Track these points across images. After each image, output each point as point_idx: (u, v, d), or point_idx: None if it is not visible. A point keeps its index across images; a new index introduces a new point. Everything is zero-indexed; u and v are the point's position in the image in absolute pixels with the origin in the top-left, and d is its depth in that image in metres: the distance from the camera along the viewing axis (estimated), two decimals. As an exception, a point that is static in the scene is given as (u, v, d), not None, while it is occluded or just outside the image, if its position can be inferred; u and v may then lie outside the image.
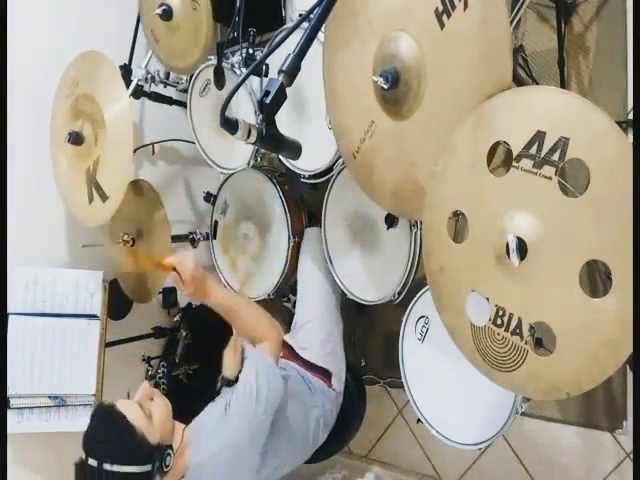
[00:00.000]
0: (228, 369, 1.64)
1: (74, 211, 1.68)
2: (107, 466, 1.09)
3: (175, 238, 1.87)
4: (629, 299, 0.74)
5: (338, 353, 1.65)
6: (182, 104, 1.99)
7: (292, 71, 0.91)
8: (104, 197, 1.51)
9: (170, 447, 1.17)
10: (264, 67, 1.50)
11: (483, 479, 1.90)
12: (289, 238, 1.68)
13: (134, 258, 1.66)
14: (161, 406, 1.22)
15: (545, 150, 0.81)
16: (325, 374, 1.55)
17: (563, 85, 1.54)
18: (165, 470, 1.14)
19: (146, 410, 1.16)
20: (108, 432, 1.14)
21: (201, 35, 1.53)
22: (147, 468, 1.12)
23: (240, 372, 1.52)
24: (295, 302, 1.76)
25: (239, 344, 1.69)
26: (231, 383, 1.50)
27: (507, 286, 0.88)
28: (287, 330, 1.80)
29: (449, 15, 0.90)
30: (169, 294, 2.11)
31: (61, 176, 1.69)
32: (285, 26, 1.53)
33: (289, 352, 1.67)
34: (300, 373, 1.56)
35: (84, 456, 1.12)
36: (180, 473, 1.20)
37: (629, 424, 1.57)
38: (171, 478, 1.17)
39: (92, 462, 1.10)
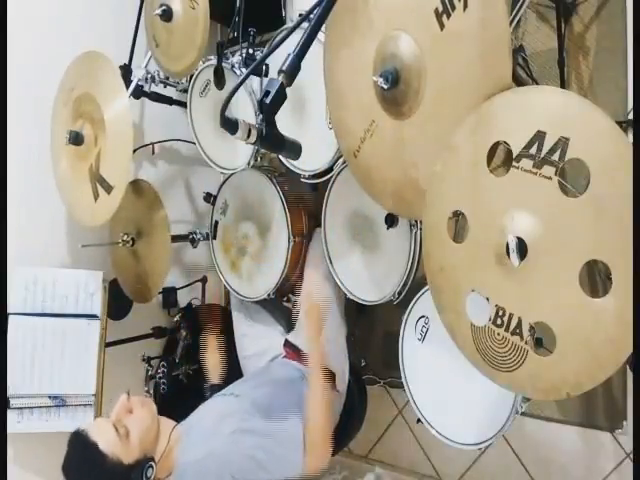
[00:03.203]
0: (213, 374, 1.66)
1: (80, 216, 1.66)
2: None
3: (175, 238, 1.87)
4: (629, 299, 0.74)
5: (341, 355, 1.65)
6: (182, 104, 2.00)
7: (292, 71, 0.91)
8: (109, 188, 1.50)
9: (152, 459, 1.17)
10: (264, 67, 1.50)
11: (483, 479, 1.90)
12: (289, 238, 1.68)
13: None
14: (141, 418, 1.20)
15: (545, 150, 0.81)
16: (328, 374, 1.55)
17: (563, 85, 1.54)
18: None
19: (122, 430, 1.15)
20: (81, 465, 1.14)
21: (197, 34, 1.53)
22: None
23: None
24: (295, 302, 1.77)
25: (215, 343, 1.71)
26: (221, 387, 1.50)
27: (507, 286, 0.88)
28: (288, 330, 1.81)
29: (449, 15, 0.91)
30: (169, 294, 2.12)
31: (64, 183, 1.69)
32: (285, 26, 1.53)
33: (293, 351, 1.68)
34: (303, 373, 1.56)
35: (65, 474, 1.13)
36: (167, 471, 1.20)
37: (629, 424, 1.57)
38: (160, 473, 1.18)
39: None
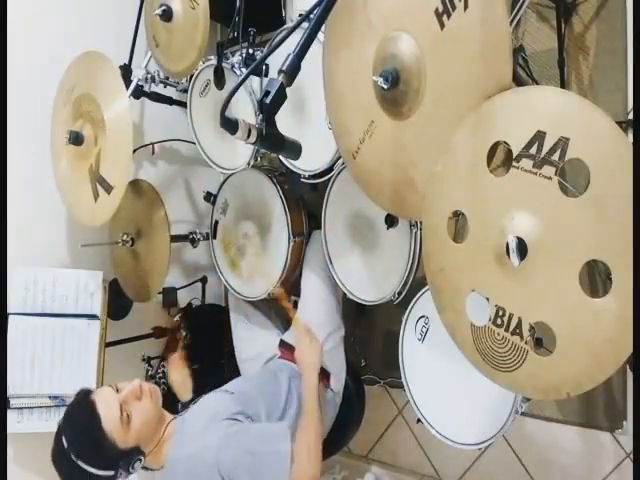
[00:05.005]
0: (182, 393, 1.66)
1: (80, 216, 1.66)
2: (73, 456, 1.11)
3: (175, 238, 1.87)
4: (629, 299, 0.74)
5: (338, 355, 1.65)
6: (182, 104, 2.00)
7: (292, 71, 0.91)
8: (109, 189, 1.50)
9: (142, 453, 1.17)
10: (264, 67, 1.50)
11: (483, 479, 1.90)
12: (289, 238, 1.68)
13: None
14: (146, 409, 1.20)
15: (545, 150, 0.81)
16: (323, 373, 1.55)
17: (563, 85, 1.54)
18: (131, 472, 1.16)
19: (126, 413, 1.15)
20: (80, 429, 1.15)
21: (197, 34, 1.52)
22: (109, 473, 1.13)
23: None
24: (295, 302, 1.77)
25: (180, 360, 1.71)
26: (189, 404, 1.51)
27: (507, 286, 0.88)
28: (286, 329, 1.81)
29: (449, 15, 0.90)
30: (169, 294, 2.12)
31: (64, 183, 1.69)
32: (285, 26, 1.53)
33: (288, 351, 1.68)
34: (298, 374, 1.56)
35: (62, 426, 1.15)
36: (158, 464, 1.22)
37: (629, 424, 1.57)
38: (151, 464, 1.20)
39: (64, 442, 1.12)
